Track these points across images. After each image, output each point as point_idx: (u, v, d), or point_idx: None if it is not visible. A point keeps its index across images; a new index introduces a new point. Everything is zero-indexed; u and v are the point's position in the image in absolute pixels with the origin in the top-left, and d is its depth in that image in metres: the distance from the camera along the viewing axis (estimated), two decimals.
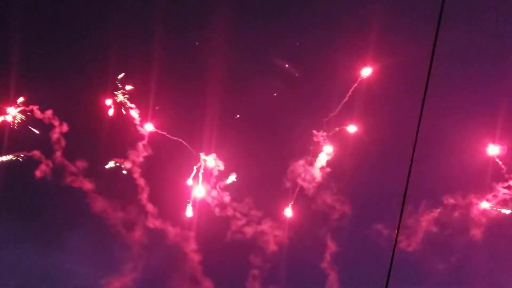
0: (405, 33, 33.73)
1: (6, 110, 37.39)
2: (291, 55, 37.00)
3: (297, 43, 36.62)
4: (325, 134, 36.63)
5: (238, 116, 37.83)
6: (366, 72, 35.69)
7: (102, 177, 38.31)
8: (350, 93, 35.70)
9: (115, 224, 38.03)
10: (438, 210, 36.39)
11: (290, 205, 37.67)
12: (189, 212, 37.94)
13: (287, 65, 37.17)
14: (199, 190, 37.97)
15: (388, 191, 33.64)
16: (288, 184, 37.14)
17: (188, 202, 37.92)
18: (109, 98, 37.92)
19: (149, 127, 37.99)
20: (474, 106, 34.97)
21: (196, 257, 38.25)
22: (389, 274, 17.16)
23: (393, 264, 17.00)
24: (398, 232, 16.01)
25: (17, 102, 37.60)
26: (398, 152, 32.63)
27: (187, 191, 37.89)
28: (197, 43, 37.13)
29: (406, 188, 16.63)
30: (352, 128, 36.61)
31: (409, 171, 16.65)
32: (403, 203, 16.84)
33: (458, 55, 34.22)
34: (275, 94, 37.31)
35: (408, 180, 16.69)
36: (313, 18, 36.33)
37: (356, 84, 35.56)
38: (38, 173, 37.29)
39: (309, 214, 37.29)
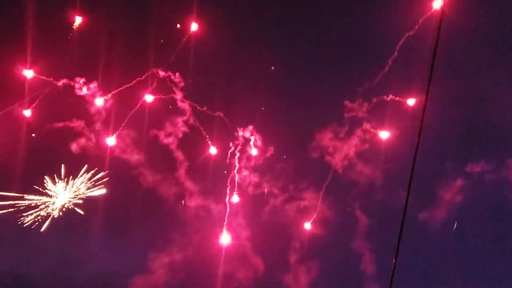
0: None
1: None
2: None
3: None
4: (366, 104, 35.16)
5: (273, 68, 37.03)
6: (437, 3, 32.92)
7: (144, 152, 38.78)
8: (390, 63, 33.94)
9: (160, 200, 38.51)
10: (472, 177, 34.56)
11: (311, 221, 37.30)
12: (225, 238, 38.01)
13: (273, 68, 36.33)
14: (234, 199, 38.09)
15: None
16: (322, 161, 36.41)
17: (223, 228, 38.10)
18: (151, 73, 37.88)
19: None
20: None
21: (244, 233, 38.27)
22: (397, 252, 16.35)
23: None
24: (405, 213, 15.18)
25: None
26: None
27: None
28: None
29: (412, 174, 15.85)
30: (411, 101, 34.73)
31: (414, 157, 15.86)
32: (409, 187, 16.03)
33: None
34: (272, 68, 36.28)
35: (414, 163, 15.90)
36: None
37: (395, 54, 33.71)
38: (77, 145, 38.04)
39: (341, 189, 36.49)
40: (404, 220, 16.22)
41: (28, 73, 36.70)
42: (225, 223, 37.85)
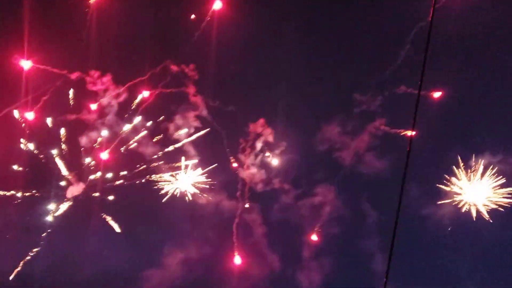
0: None
1: None
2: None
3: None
4: (380, 98, 34.39)
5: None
6: None
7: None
8: (402, 55, 33.03)
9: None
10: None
11: (314, 233, 37.06)
12: (237, 260, 37.91)
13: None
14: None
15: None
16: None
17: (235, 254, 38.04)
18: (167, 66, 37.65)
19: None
20: None
21: (259, 230, 38.03)
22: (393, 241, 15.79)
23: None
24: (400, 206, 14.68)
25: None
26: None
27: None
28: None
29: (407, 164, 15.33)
30: (437, 94, 33.76)
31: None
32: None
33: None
34: None
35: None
36: None
37: (408, 46, 32.78)
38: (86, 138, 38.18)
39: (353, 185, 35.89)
40: (399, 216, 15.84)
41: (26, 64, 36.38)
42: (236, 221, 37.70)
